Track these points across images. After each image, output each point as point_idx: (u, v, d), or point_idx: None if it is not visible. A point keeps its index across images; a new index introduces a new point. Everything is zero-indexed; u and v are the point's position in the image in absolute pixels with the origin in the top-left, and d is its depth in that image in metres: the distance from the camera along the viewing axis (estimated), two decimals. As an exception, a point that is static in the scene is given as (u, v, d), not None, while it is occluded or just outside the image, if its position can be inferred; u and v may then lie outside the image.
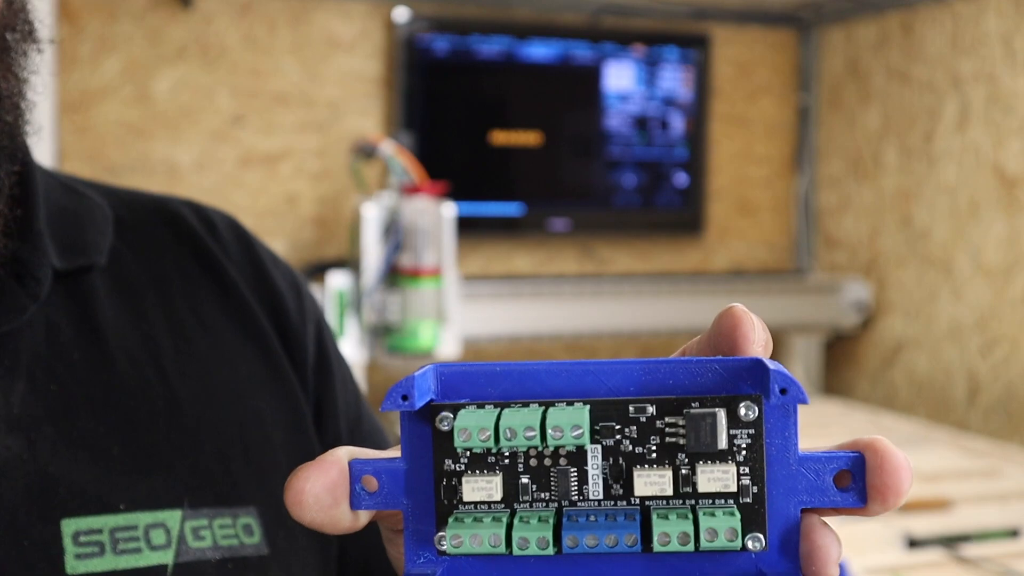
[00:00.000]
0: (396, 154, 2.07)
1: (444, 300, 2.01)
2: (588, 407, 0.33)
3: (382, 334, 2.02)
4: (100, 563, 0.49)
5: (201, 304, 0.60)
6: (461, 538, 0.34)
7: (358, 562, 0.60)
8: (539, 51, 2.43)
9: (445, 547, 0.34)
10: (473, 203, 2.36)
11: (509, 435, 0.33)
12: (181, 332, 0.58)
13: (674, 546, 0.33)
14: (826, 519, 0.34)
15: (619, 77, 2.48)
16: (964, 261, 2.24)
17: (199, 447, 0.54)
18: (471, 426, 0.33)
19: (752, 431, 0.33)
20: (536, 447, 0.34)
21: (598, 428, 0.33)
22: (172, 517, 0.52)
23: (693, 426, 0.33)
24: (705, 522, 0.33)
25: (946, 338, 2.28)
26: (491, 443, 0.33)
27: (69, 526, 0.49)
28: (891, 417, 2.19)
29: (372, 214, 2.01)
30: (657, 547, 0.33)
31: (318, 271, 2.14)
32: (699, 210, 2.59)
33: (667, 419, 0.33)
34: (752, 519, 0.33)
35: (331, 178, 2.36)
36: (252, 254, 0.63)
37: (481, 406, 0.34)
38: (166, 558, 0.51)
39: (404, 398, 0.34)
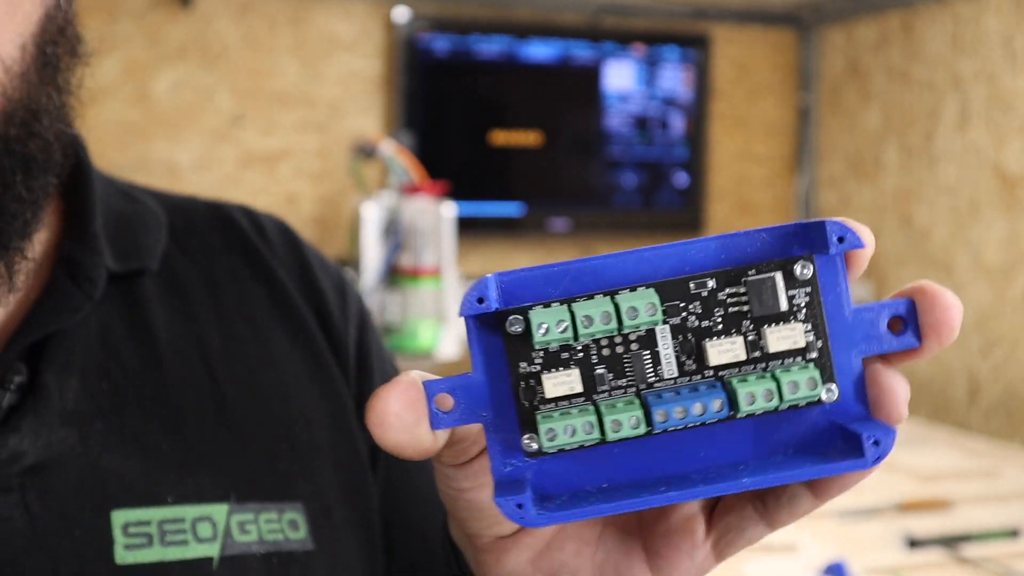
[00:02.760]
0: (396, 154, 2.07)
1: (444, 300, 2.01)
2: (653, 289, 0.34)
3: (382, 334, 2.02)
4: (148, 554, 0.51)
5: (251, 305, 0.61)
6: (555, 431, 0.34)
7: (407, 561, 0.61)
8: (539, 51, 2.43)
9: (538, 445, 0.34)
10: (473, 203, 2.36)
11: (587, 323, 0.33)
12: (231, 333, 0.59)
13: (760, 403, 0.33)
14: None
15: (619, 77, 2.48)
16: (964, 261, 2.24)
17: (246, 444, 0.56)
18: (549, 320, 0.34)
19: (809, 289, 0.34)
20: (609, 334, 0.34)
21: (663, 308, 0.34)
22: (218, 511, 0.53)
23: (755, 291, 0.34)
24: (785, 377, 0.33)
25: (946, 338, 2.27)
26: (569, 334, 0.34)
27: (119, 517, 0.51)
28: (891, 417, 2.18)
29: (372, 214, 2.01)
30: (744, 407, 0.33)
31: (318, 271, 2.14)
32: (699, 210, 2.59)
33: (728, 290, 0.34)
34: (822, 372, 0.34)
35: (331, 178, 2.36)
36: (300, 256, 0.65)
37: (547, 305, 0.34)
38: (212, 551, 0.52)
39: (480, 301, 0.34)
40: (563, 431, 0.34)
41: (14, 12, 0.48)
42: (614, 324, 0.33)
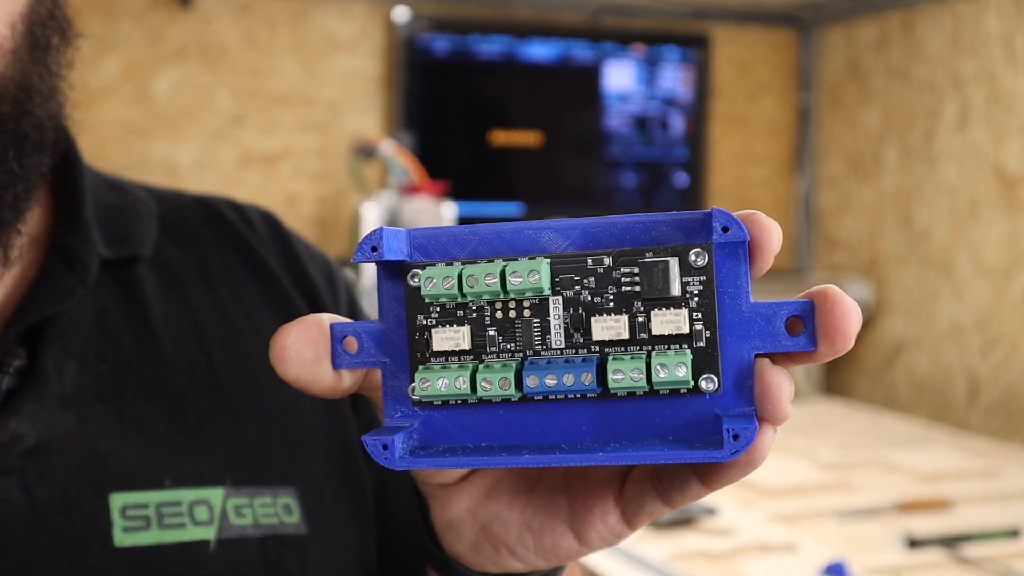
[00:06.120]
0: (396, 154, 2.07)
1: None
2: (548, 259, 0.35)
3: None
4: (146, 536, 0.51)
5: (244, 294, 0.62)
6: (429, 382, 0.35)
7: (399, 548, 0.61)
8: (539, 51, 2.43)
9: (415, 394, 0.35)
10: (473, 203, 2.35)
11: (472, 283, 0.34)
12: (226, 320, 0.60)
13: (627, 383, 0.34)
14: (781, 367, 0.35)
15: (619, 77, 2.48)
16: (964, 261, 2.24)
17: (242, 429, 0.57)
18: (436, 275, 0.35)
19: (703, 278, 0.34)
20: (500, 298, 0.35)
21: (558, 280, 0.35)
22: (215, 494, 0.54)
23: (647, 273, 0.34)
24: (657, 359, 0.34)
25: (946, 338, 2.28)
26: (455, 290, 0.35)
27: (117, 500, 0.52)
28: (891, 417, 2.19)
29: (372, 214, 2.00)
30: (612, 385, 0.34)
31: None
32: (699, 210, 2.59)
33: (623, 269, 0.35)
34: (706, 362, 0.34)
35: (331, 178, 2.36)
36: (288, 246, 0.66)
37: (450, 264, 0.35)
38: (209, 534, 0.53)
39: (374, 249, 0.35)
40: (436, 382, 0.35)
41: None
42: (498, 287, 0.34)
